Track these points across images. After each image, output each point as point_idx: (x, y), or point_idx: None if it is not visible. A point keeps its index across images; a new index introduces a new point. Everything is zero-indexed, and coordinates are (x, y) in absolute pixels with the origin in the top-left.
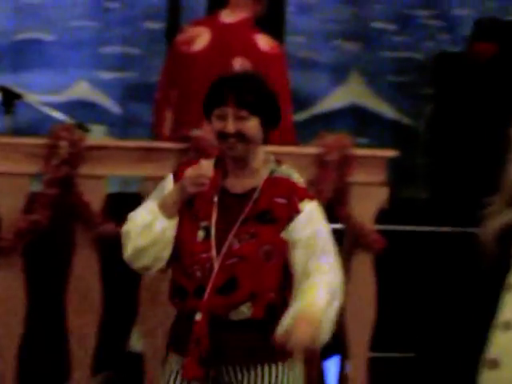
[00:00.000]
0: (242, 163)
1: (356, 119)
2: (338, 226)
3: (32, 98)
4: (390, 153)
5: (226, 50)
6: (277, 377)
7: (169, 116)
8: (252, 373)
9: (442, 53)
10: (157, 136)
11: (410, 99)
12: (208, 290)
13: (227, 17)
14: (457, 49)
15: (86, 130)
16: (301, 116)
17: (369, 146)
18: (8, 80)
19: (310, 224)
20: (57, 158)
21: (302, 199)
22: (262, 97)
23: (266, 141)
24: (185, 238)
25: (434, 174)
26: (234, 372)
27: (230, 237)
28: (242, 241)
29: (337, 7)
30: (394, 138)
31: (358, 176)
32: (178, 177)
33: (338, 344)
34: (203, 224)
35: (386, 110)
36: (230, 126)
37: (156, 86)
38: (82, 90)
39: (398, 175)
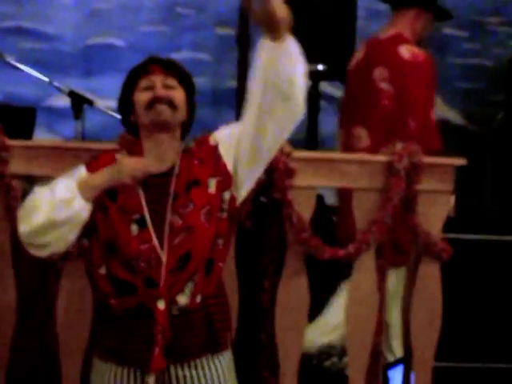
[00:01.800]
0: (161, 137)
1: None
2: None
3: (102, 103)
4: (459, 161)
5: (370, 62)
6: (218, 370)
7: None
8: (195, 367)
9: None
10: None
11: (479, 106)
12: (162, 275)
13: (383, 33)
14: None
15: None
16: None
17: (436, 153)
18: (80, 85)
19: (227, 132)
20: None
21: (206, 142)
22: (186, 74)
23: (188, 128)
24: (119, 235)
25: (501, 183)
26: (181, 374)
27: (168, 216)
28: (183, 214)
29: None
30: (462, 145)
31: (426, 184)
32: (91, 167)
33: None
34: (134, 217)
35: (454, 116)
36: (161, 91)
37: (226, 92)
38: None
39: (464, 184)
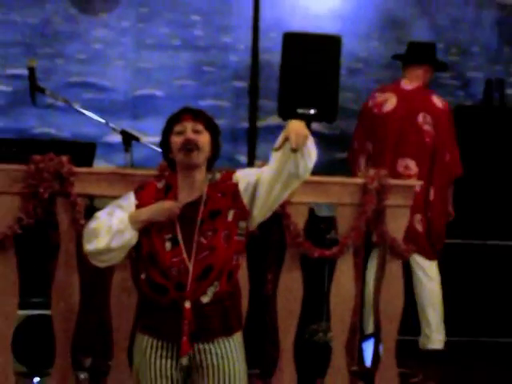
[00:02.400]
0: (193, 176)
1: None
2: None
3: (145, 139)
4: (417, 182)
5: (411, 109)
6: (232, 347)
7: (363, 162)
8: (213, 347)
9: (460, 105)
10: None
11: None
12: (189, 282)
13: (407, 85)
14: (469, 103)
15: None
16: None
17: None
18: (129, 125)
19: (246, 177)
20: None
21: (230, 179)
22: (211, 120)
23: (212, 163)
24: (156, 249)
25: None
26: (203, 350)
27: (196, 237)
28: (208, 236)
29: (378, 71)
30: None
31: (392, 200)
32: (140, 196)
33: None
34: (167, 236)
35: None
36: (190, 134)
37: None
38: None
39: None
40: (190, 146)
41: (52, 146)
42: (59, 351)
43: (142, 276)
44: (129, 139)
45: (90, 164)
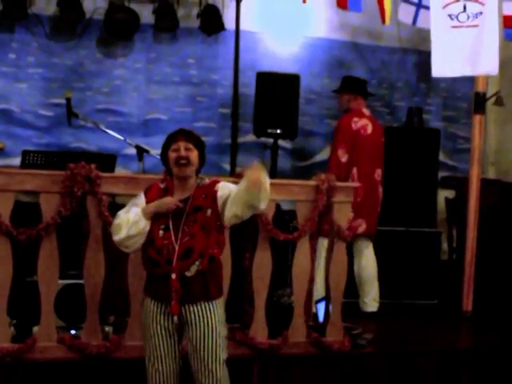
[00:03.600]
0: (184, 182)
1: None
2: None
3: (153, 152)
4: (356, 184)
5: (378, 131)
6: (210, 309)
7: (356, 172)
8: (194, 307)
9: (388, 127)
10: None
11: None
12: (174, 259)
13: (367, 112)
14: (395, 125)
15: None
16: (307, 163)
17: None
18: (141, 141)
19: (224, 187)
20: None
21: (214, 186)
22: (199, 139)
23: (199, 170)
24: (153, 232)
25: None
26: (188, 310)
27: (182, 226)
28: (190, 226)
29: (327, 100)
30: None
31: (338, 197)
32: (148, 195)
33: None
34: (162, 226)
35: None
36: (182, 152)
37: (224, 145)
38: None
39: None
40: (182, 161)
41: (83, 157)
42: (89, 310)
43: (146, 251)
44: (141, 152)
45: (112, 170)
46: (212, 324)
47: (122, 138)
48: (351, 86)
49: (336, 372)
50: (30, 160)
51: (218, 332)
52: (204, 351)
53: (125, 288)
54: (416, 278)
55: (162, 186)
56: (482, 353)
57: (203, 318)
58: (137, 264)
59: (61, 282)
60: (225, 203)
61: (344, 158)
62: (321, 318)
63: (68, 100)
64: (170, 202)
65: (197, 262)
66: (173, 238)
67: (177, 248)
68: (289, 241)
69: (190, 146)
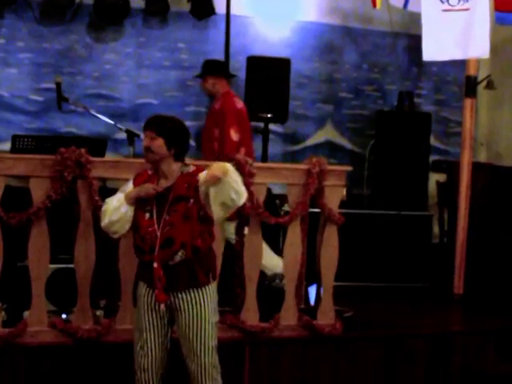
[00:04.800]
0: (158, 167)
1: (329, 149)
2: (316, 210)
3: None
4: (347, 168)
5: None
6: (199, 295)
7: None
8: (182, 295)
9: (380, 111)
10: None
11: (360, 137)
12: (156, 248)
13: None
14: (387, 109)
15: (136, 136)
16: (298, 147)
17: (336, 164)
18: (132, 126)
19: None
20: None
21: (196, 175)
22: (164, 126)
23: (179, 155)
24: (138, 219)
25: (373, 180)
26: (177, 297)
27: (164, 214)
28: (170, 215)
29: (318, 84)
30: (350, 159)
31: (329, 181)
32: (135, 181)
33: (316, 277)
34: (147, 208)
35: (346, 143)
36: (145, 142)
37: None
38: None
39: (352, 181)
40: (145, 151)
41: (74, 141)
42: (80, 294)
43: (134, 237)
44: (132, 136)
45: (102, 155)
46: (201, 311)
47: (112, 122)
48: (216, 70)
49: (327, 355)
50: (20, 145)
51: (207, 319)
52: (192, 337)
53: (116, 272)
54: (407, 261)
55: (150, 172)
56: (473, 335)
57: (191, 304)
58: (128, 248)
59: (52, 266)
60: (207, 197)
61: (236, 138)
62: (312, 301)
63: (58, 85)
64: (148, 187)
65: (179, 253)
66: (155, 226)
67: (158, 236)
68: (280, 224)
69: (152, 134)
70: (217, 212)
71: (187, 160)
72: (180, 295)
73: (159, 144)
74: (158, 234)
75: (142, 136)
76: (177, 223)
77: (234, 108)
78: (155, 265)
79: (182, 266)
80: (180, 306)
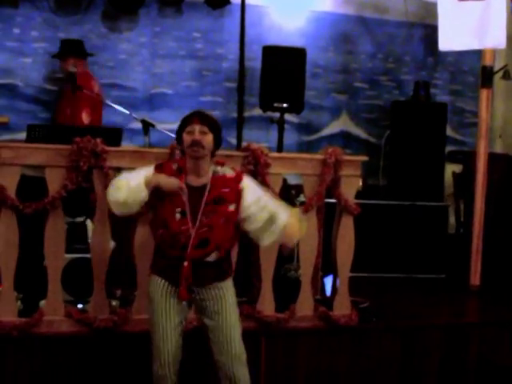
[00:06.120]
0: (199, 164)
1: (344, 139)
2: (332, 200)
3: (159, 126)
4: (363, 158)
5: None
6: (222, 288)
7: None
8: (209, 289)
9: (395, 101)
10: None
11: (375, 127)
12: (189, 247)
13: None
14: (402, 99)
15: (152, 125)
16: (314, 137)
17: (351, 154)
18: (146, 115)
19: (252, 192)
20: (173, 159)
21: (239, 182)
22: (214, 123)
23: (213, 155)
24: (167, 218)
25: (388, 171)
26: (202, 291)
27: (199, 215)
28: (208, 216)
29: (333, 75)
30: (366, 149)
31: (345, 171)
32: (157, 169)
33: (332, 267)
34: (178, 209)
35: (361, 133)
36: (197, 136)
37: (230, 119)
38: None
39: (367, 171)
40: (196, 145)
41: (89, 131)
42: (96, 284)
43: (160, 231)
44: (147, 126)
45: (118, 144)
46: (227, 298)
47: (127, 112)
48: (77, 50)
49: (343, 346)
50: (36, 134)
51: (234, 306)
52: (223, 324)
53: (132, 262)
54: (424, 252)
55: (174, 166)
56: (489, 327)
57: (218, 296)
58: (144, 238)
59: (68, 256)
60: (249, 212)
61: (87, 121)
62: (328, 291)
63: (73, 74)
64: (174, 183)
65: (213, 254)
66: (190, 225)
67: (192, 237)
68: None
69: (205, 129)
70: (252, 229)
71: None
72: (205, 289)
73: (210, 140)
74: (193, 233)
75: (157, 127)
76: (215, 226)
77: (91, 91)
78: (185, 264)
79: (212, 264)
80: (207, 299)
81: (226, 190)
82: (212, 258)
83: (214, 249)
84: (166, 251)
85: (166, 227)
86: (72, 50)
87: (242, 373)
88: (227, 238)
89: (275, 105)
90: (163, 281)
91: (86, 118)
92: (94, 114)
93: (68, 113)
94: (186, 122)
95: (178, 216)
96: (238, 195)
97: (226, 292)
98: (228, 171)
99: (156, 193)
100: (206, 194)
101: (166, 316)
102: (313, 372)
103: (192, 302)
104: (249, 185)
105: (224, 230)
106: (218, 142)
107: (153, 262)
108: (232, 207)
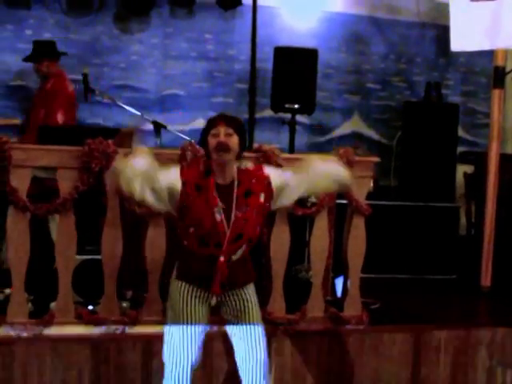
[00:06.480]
0: (225, 169)
1: (356, 140)
2: (343, 201)
3: (171, 127)
4: (375, 159)
5: None
6: (248, 290)
7: None
8: (238, 292)
9: (407, 102)
10: None
11: (387, 128)
12: (225, 243)
13: None
14: (414, 100)
15: (163, 127)
16: (325, 138)
17: (363, 155)
18: (158, 117)
19: (278, 176)
20: (185, 160)
21: (261, 170)
22: (240, 125)
23: (239, 157)
24: (202, 216)
25: (400, 172)
26: (231, 294)
27: (233, 210)
28: (242, 211)
29: (345, 75)
30: (377, 150)
31: (356, 172)
32: (184, 173)
33: (343, 268)
34: (216, 209)
35: (373, 134)
36: (222, 138)
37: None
38: (199, 123)
39: (379, 172)
40: (221, 148)
41: (101, 133)
42: (107, 286)
43: (191, 230)
44: (158, 127)
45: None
46: (253, 304)
47: (139, 113)
48: (50, 52)
49: (353, 347)
50: (47, 136)
51: (258, 311)
52: (251, 335)
53: (142, 263)
54: (435, 252)
55: (201, 167)
56: (500, 328)
57: (244, 300)
58: (154, 239)
59: (78, 257)
60: (281, 191)
61: (61, 121)
62: (339, 293)
63: (85, 76)
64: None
65: (243, 246)
66: (224, 222)
67: (228, 233)
68: (307, 216)
69: (231, 131)
70: (295, 196)
71: None
72: (233, 292)
73: (235, 142)
74: (228, 230)
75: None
76: (249, 219)
77: (66, 91)
78: (221, 259)
79: (240, 261)
80: (233, 302)
81: (253, 181)
82: (238, 255)
83: (246, 242)
84: (196, 252)
85: (199, 226)
86: (45, 51)
87: (267, 378)
88: (258, 231)
89: (287, 106)
90: (191, 286)
91: (60, 118)
92: (68, 114)
93: (42, 113)
94: (210, 125)
95: (217, 217)
96: (266, 183)
97: (250, 295)
98: (249, 164)
99: (185, 194)
100: (236, 189)
101: (191, 321)
102: (323, 373)
103: (220, 304)
104: (270, 170)
105: (256, 223)
106: (243, 145)
107: (179, 268)
108: (262, 197)
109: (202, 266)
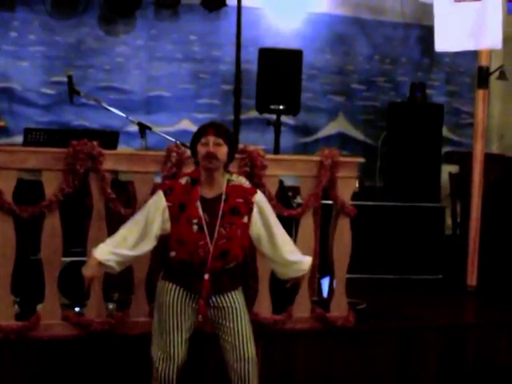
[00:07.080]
0: (213, 175)
1: (341, 141)
2: (328, 202)
3: (156, 129)
4: (360, 159)
5: None
6: (235, 296)
7: None
8: (225, 296)
9: (392, 102)
10: None
11: (372, 129)
12: (209, 260)
13: None
14: (399, 100)
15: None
16: (310, 138)
17: (348, 155)
18: (143, 118)
19: (263, 212)
20: (170, 162)
21: (252, 194)
22: (229, 135)
23: (227, 166)
24: (184, 234)
25: (385, 172)
26: (217, 299)
27: (217, 227)
28: (227, 228)
29: (330, 76)
30: (363, 151)
31: (341, 173)
32: (169, 196)
33: (329, 269)
34: (194, 221)
35: (357, 134)
36: (211, 148)
37: (227, 122)
38: (185, 124)
39: (364, 173)
40: (210, 158)
41: (86, 135)
42: (93, 288)
43: (172, 254)
44: (143, 129)
45: (114, 147)
46: (241, 309)
47: (124, 115)
48: None
49: (340, 347)
50: (33, 138)
51: (246, 315)
52: (238, 335)
53: (129, 266)
54: (420, 252)
55: (183, 181)
56: (486, 327)
57: (232, 304)
58: None
59: (64, 259)
60: (259, 232)
61: None
62: (325, 293)
63: (69, 78)
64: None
65: (232, 264)
66: (207, 239)
67: (211, 250)
68: (292, 217)
69: (220, 141)
70: (262, 250)
71: None
72: (221, 297)
73: (224, 152)
74: (211, 247)
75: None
76: (234, 237)
77: None
78: (206, 276)
79: (228, 273)
80: (221, 306)
81: (240, 200)
82: (227, 268)
83: (233, 259)
84: (185, 270)
85: (182, 244)
86: None
87: (255, 375)
88: (246, 247)
89: (272, 107)
90: (178, 287)
91: None
92: None
93: None
94: (200, 134)
95: (195, 228)
96: (249, 207)
97: (238, 299)
98: (244, 181)
99: (171, 216)
100: (222, 204)
101: (178, 321)
102: (310, 373)
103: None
104: (261, 200)
105: (242, 241)
106: (232, 155)
107: (166, 269)
108: (245, 219)
109: (188, 277)
